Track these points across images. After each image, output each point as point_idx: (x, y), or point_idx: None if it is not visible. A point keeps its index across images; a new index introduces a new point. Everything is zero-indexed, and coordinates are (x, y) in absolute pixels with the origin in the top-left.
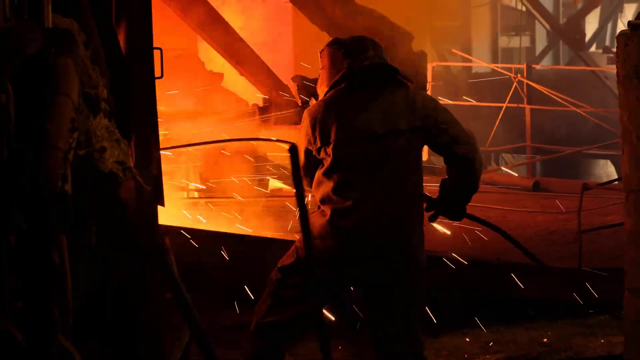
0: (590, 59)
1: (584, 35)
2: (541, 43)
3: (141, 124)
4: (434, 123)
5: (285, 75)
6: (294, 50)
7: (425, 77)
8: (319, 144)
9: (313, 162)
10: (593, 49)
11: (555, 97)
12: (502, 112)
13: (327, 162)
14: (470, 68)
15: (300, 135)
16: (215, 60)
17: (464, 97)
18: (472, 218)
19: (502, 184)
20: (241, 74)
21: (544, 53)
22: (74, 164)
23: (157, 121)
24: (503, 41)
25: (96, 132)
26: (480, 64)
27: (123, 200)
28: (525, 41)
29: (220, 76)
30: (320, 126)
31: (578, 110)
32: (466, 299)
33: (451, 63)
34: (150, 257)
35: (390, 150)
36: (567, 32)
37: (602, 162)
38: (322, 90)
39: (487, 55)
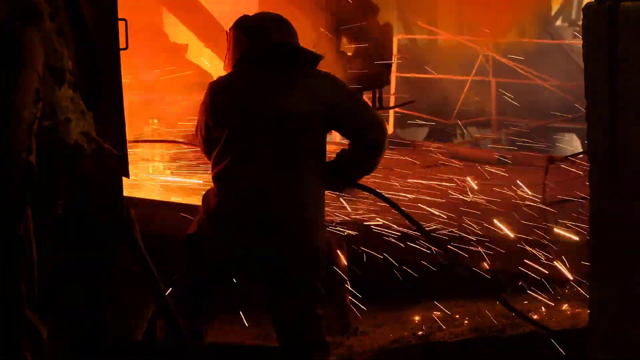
0: (556, 32)
1: (550, 8)
2: (507, 16)
3: (106, 95)
4: (343, 108)
5: None
6: None
7: (391, 49)
8: (217, 120)
9: (212, 136)
10: (559, 22)
11: (520, 71)
12: (467, 85)
13: (222, 139)
14: (436, 41)
15: (200, 109)
16: (180, 34)
17: (430, 70)
18: (362, 188)
19: (467, 157)
20: (206, 46)
21: (509, 26)
22: (39, 136)
23: (121, 92)
24: (469, 14)
25: (61, 103)
26: (447, 36)
27: (88, 171)
28: (491, 14)
29: (184, 47)
30: (218, 102)
31: (544, 84)
32: (431, 273)
33: (417, 36)
34: (116, 229)
35: (284, 132)
36: (533, 6)
37: (567, 135)
38: (226, 70)
39: (453, 28)
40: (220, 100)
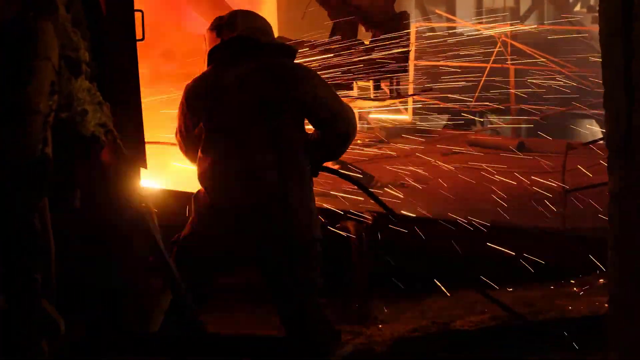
0: (574, 18)
1: None
2: (525, 3)
3: (123, 86)
4: (312, 98)
5: None
6: (278, 14)
7: (409, 38)
8: (195, 119)
9: (192, 137)
10: (577, 8)
11: (539, 57)
12: (486, 72)
13: (202, 138)
14: (454, 29)
15: (179, 110)
16: (197, 22)
17: (448, 58)
18: (328, 170)
19: (487, 144)
20: None
21: (528, 13)
22: (56, 127)
23: (138, 83)
24: (487, 2)
25: (78, 95)
26: (465, 24)
27: (105, 162)
28: (510, 1)
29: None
30: (194, 100)
31: (562, 70)
32: (450, 262)
33: (435, 24)
34: (133, 220)
35: (259, 121)
36: None
37: (586, 121)
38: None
39: (471, 16)
40: (196, 96)
